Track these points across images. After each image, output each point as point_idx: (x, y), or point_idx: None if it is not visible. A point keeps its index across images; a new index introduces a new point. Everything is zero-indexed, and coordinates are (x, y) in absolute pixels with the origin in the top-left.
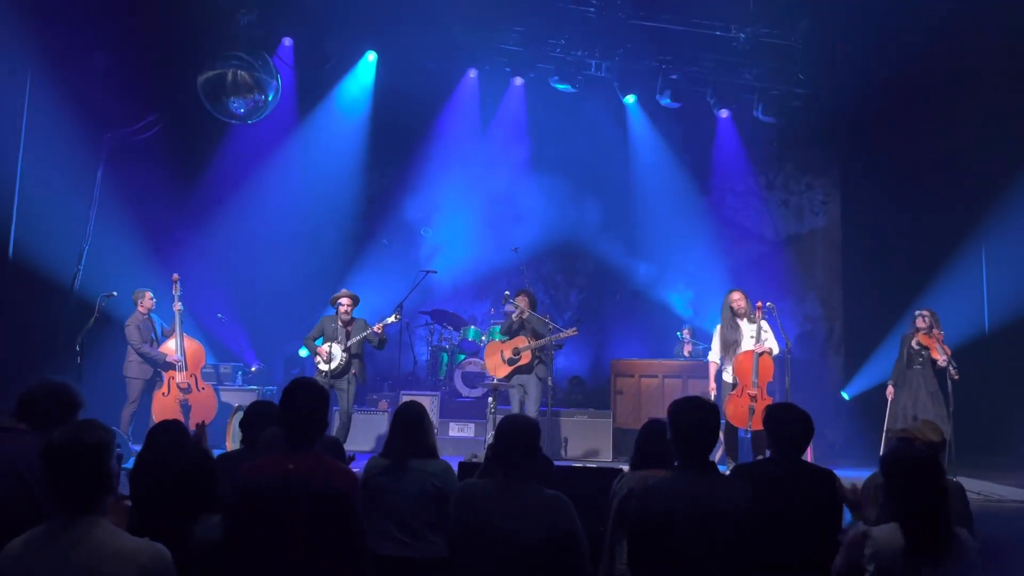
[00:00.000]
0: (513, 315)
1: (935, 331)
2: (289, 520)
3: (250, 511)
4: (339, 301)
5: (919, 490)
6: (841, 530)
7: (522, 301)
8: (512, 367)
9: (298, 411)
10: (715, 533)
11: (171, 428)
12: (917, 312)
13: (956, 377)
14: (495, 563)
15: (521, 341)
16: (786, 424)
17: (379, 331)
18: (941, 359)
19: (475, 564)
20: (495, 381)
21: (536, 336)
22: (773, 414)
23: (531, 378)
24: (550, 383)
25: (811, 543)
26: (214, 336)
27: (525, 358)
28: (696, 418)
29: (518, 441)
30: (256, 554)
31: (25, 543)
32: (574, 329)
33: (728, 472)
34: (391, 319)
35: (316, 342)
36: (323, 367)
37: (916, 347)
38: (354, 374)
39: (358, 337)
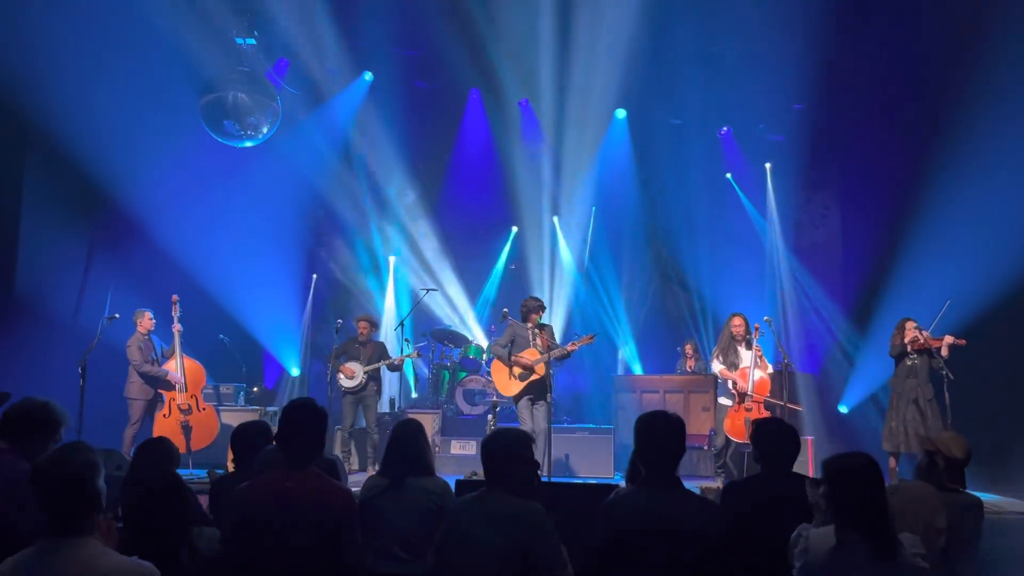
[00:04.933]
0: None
1: (924, 334)
2: (286, 539)
3: (248, 530)
4: (359, 324)
5: (855, 495)
6: None
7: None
8: (524, 382)
9: (296, 431)
10: (679, 552)
11: (153, 447)
12: (905, 325)
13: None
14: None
15: (532, 354)
16: (769, 439)
17: (399, 363)
18: (944, 350)
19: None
20: (495, 398)
21: (548, 347)
22: (757, 430)
23: (544, 392)
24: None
25: None
26: (215, 357)
27: (540, 371)
28: (661, 430)
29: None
30: (253, 573)
31: (15, 564)
32: (590, 336)
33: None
34: (413, 355)
35: (340, 359)
36: (348, 384)
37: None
38: (376, 390)
39: (379, 363)
